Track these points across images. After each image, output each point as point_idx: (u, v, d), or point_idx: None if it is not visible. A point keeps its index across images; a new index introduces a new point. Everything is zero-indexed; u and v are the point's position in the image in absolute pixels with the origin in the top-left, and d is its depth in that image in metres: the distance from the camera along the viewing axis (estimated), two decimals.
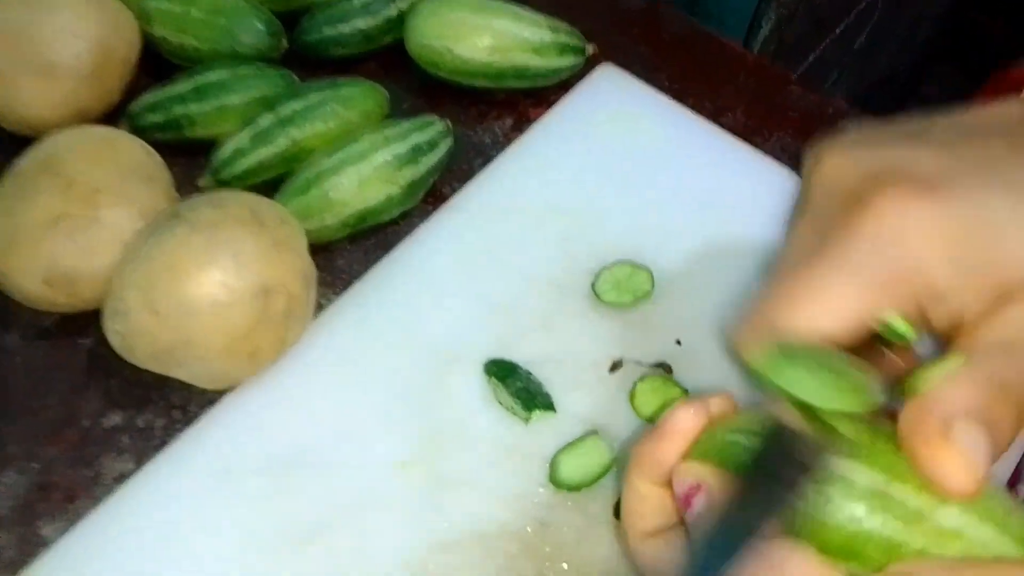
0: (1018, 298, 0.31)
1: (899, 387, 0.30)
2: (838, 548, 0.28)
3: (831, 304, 0.32)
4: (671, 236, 0.46)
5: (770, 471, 0.29)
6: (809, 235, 0.36)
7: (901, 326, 0.33)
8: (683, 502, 0.32)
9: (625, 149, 0.48)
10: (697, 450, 0.33)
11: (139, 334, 0.36)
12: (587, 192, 0.47)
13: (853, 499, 0.28)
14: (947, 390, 0.28)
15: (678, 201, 0.47)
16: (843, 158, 0.36)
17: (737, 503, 0.28)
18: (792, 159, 0.49)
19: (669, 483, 0.33)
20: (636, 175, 0.48)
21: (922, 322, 0.33)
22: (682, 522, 0.32)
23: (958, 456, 0.27)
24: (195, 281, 0.35)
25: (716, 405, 0.33)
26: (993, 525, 0.28)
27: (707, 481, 0.31)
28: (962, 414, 0.28)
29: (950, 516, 0.28)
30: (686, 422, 0.33)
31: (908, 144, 0.35)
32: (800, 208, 0.38)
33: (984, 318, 0.31)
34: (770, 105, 0.52)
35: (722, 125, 0.50)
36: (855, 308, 0.32)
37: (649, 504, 0.33)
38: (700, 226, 0.46)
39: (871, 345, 0.34)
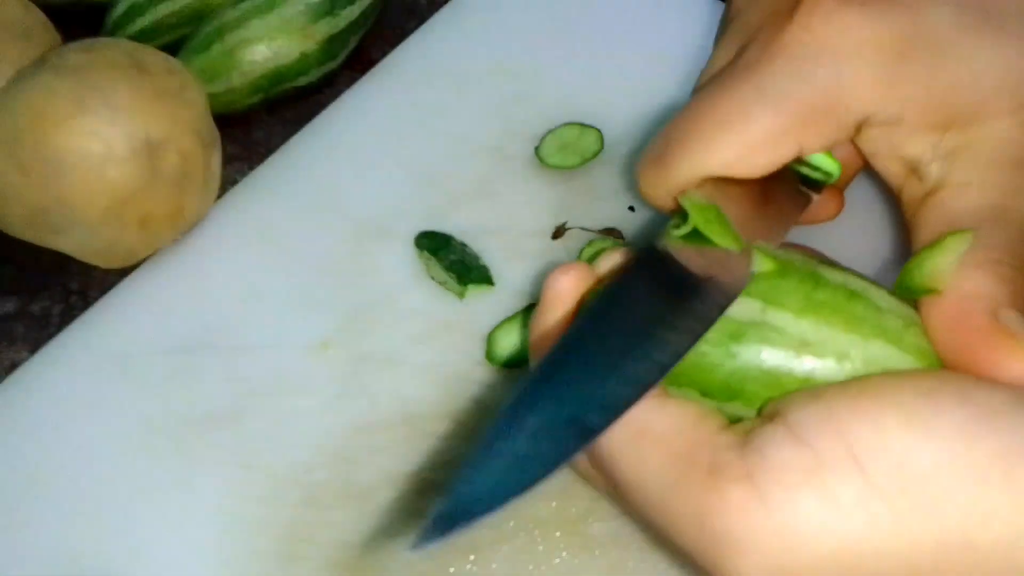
0: (973, 138, 0.28)
1: (901, 279, 0.27)
2: (719, 389, 0.25)
3: (746, 140, 0.28)
4: (625, 97, 0.41)
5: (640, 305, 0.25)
6: (728, 57, 0.31)
7: (825, 162, 0.29)
8: None
9: (573, 4, 0.44)
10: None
11: (8, 197, 0.32)
12: (531, 52, 0.42)
13: (726, 333, 0.25)
14: (973, 280, 0.25)
15: (632, 59, 0.42)
16: None
17: (595, 344, 0.24)
18: None
19: None
20: (586, 32, 0.43)
21: (862, 159, 0.30)
22: None
23: (1016, 343, 0.24)
24: (63, 131, 0.31)
25: (608, 262, 0.29)
26: (885, 340, 0.25)
27: None
28: (1000, 302, 0.25)
29: (835, 339, 0.25)
30: (566, 284, 0.28)
31: None
32: (723, 26, 0.34)
33: (950, 171, 0.28)
34: None
35: None
36: (775, 145, 0.28)
37: None
38: (657, 85, 0.41)
39: (785, 181, 0.30)
